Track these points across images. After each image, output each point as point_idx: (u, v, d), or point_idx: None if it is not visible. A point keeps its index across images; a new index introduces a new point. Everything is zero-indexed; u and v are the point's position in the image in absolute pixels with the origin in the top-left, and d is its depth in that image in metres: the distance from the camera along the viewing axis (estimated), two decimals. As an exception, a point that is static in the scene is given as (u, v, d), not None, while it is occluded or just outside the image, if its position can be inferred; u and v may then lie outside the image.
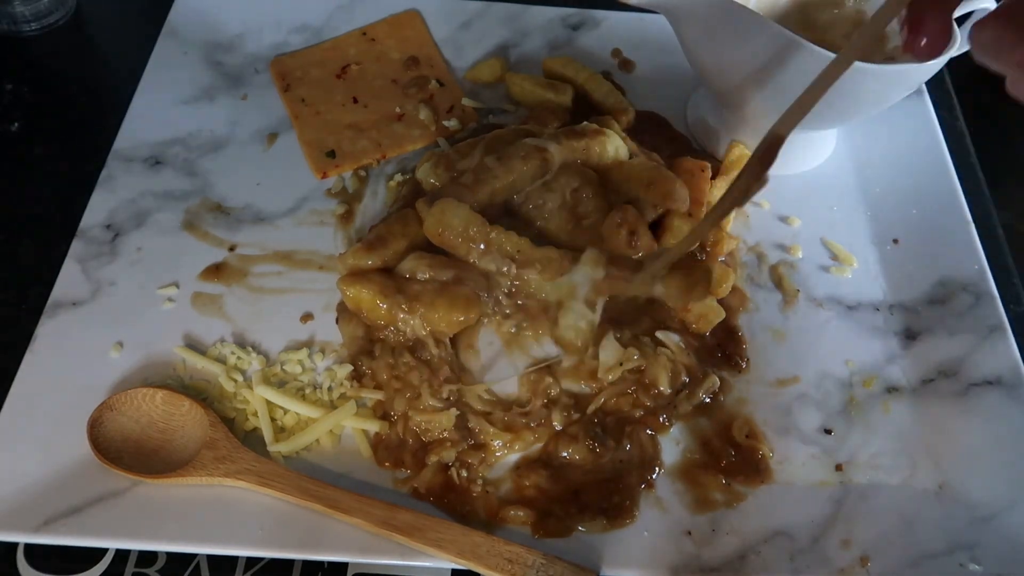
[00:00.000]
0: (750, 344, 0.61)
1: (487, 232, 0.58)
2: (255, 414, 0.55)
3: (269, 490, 0.51)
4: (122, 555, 0.52)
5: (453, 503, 0.53)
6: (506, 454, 0.55)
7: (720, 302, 0.61)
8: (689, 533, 0.53)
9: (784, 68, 0.57)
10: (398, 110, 0.73)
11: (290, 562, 0.52)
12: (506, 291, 0.59)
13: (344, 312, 0.60)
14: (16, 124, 0.72)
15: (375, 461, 0.54)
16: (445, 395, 0.56)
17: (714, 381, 0.58)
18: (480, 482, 0.54)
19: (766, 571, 0.51)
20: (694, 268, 0.58)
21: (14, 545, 0.52)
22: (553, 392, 0.57)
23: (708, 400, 0.58)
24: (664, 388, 0.57)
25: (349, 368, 0.57)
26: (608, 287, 0.57)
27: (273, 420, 0.55)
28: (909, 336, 0.63)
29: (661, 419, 0.57)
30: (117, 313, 0.59)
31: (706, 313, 0.60)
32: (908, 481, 0.56)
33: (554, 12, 0.81)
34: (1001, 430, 0.58)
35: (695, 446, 0.56)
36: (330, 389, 0.57)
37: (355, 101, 0.73)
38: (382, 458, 0.54)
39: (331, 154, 0.69)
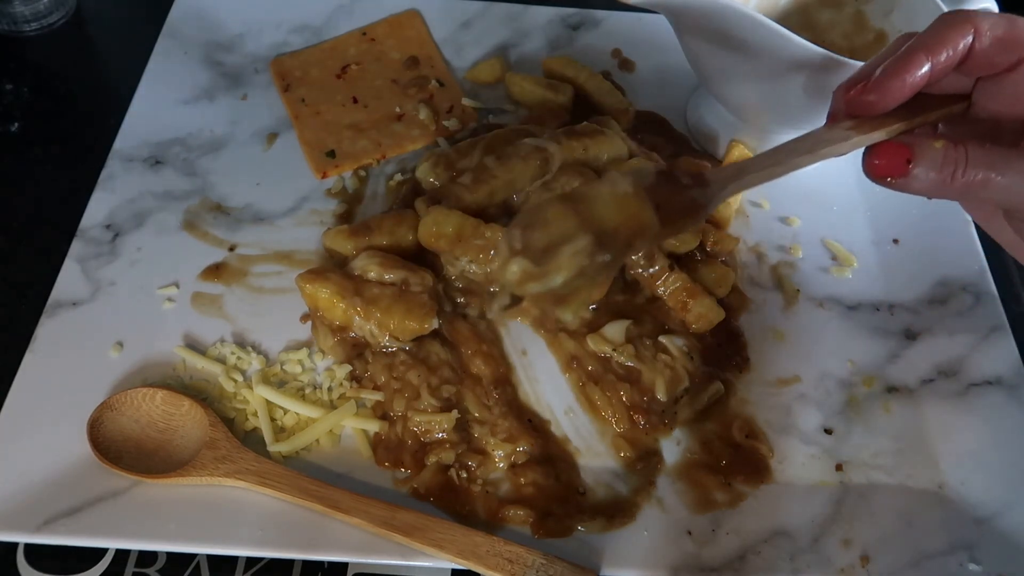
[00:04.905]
0: (751, 344, 0.61)
1: (483, 232, 0.58)
2: (255, 414, 0.55)
3: (269, 490, 0.51)
4: (122, 555, 0.52)
5: (453, 503, 0.52)
6: (508, 464, 0.55)
7: (720, 302, 0.61)
8: (689, 533, 0.52)
9: (784, 68, 0.57)
10: (398, 110, 0.73)
11: (290, 562, 0.52)
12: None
13: (314, 319, 0.59)
14: (16, 124, 0.72)
15: (375, 461, 0.54)
16: (445, 395, 0.56)
17: (719, 388, 0.58)
18: (480, 482, 0.54)
19: (766, 571, 0.51)
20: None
21: (14, 545, 0.52)
22: None
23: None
24: (660, 396, 0.56)
25: (349, 368, 0.57)
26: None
27: (273, 420, 0.55)
28: (909, 336, 0.62)
29: (664, 422, 0.56)
30: (117, 313, 0.59)
31: (706, 313, 0.59)
32: (908, 481, 0.56)
33: (554, 12, 0.81)
34: (1001, 430, 0.58)
35: (696, 446, 0.56)
36: (330, 389, 0.57)
37: (355, 101, 0.73)
38: (382, 458, 0.54)
39: (331, 154, 0.69)
